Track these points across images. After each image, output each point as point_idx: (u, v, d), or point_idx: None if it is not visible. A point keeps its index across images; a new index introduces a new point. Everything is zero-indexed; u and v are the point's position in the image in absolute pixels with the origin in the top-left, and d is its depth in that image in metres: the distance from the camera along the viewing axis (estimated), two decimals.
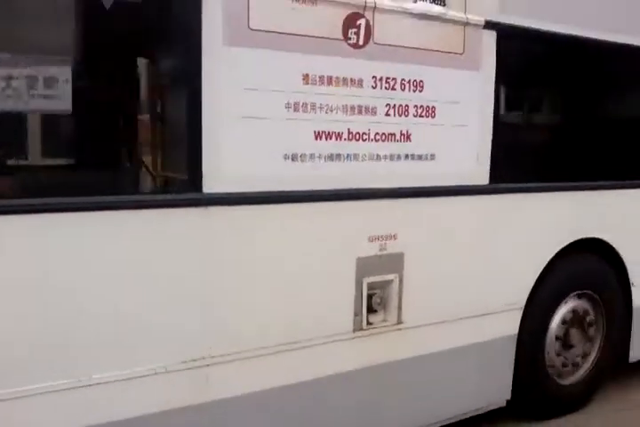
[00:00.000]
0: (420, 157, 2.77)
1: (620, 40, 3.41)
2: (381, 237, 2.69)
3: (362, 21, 2.51)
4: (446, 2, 2.75)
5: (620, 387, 4.02)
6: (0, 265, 1.86)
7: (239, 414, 2.39)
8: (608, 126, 3.72)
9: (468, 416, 3.17)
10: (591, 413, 3.70)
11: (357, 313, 2.67)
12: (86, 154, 2.67)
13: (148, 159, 2.53)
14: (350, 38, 2.50)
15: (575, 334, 3.60)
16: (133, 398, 2.14)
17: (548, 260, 3.35)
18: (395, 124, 2.66)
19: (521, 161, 3.27)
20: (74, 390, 2.02)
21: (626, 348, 3.88)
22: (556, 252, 3.37)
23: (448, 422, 3.11)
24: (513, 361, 3.30)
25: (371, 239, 2.66)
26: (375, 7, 2.53)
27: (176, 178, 2.33)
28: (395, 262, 2.75)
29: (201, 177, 2.20)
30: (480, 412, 3.22)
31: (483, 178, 3.01)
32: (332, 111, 2.49)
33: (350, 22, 2.49)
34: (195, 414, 2.27)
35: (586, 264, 3.61)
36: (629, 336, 3.86)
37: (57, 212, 1.96)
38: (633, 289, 3.78)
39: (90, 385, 2.05)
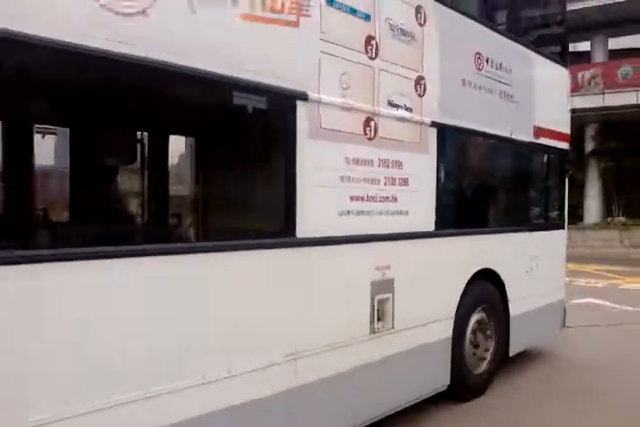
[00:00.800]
0: (401, 213, 4.07)
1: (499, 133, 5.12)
2: (382, 266, 3.91)
3: (372, 123, 3.80)
4: (412, 109, 4.15)
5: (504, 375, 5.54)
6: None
7: (318, 393, 3.41)
8: (493, 191, 5.39)
9: (430, 395, 4.43)
10: (494, 393, 5.14)
11: (372, 321, 3.83)
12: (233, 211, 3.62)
13: (260, 215, 3.51)
14: (367, 133, 3.77)
15: (480, 336, 5.07)
16: (260, 383, 3.08)
17: (465, 283, 4.80)
18: (389, 191, 3.95)
19: (450, 215, 4.72)
20: (225, 380, 2.92)
21: (507, 346, 5.45)
22: (469, 277, 4.83)
23: (415, 401, 4.32)
24: (450, 356, 4.65)
25: (377, 268, 3.87)
26: (379, 114, 3.84)
27: (276, 227, 3.34)
28: (389, 285, 3.97)
29: (295, 227, 3.27)
30: (438, 391, 4.50)
31: (431, 226, 4.39)
32: (358, 182, 3.71)
33: (366, 123, 3.76)
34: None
35: (483, 287, 5.13)
36: (508, 337, 5.44)
37: (215, 251, 2.92)
38: (510, 303, 5.39)
39: (234, 376, 2.96)
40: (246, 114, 3.10)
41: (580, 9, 19.81)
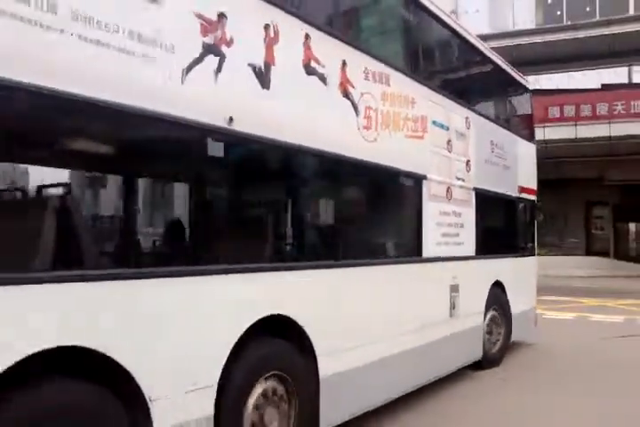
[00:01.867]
0: (460, 244, 6.59)
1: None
2: (454, 276, 6.39)
3: (450, 190, 6.35)
4: (465, 180, 6.73)
5: None
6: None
7: (427, 349, 5.82)
8: (500, 230, 8.06)
9: (472, 362, 6.92)
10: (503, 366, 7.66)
11: (450, 309, 6.30)
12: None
13: (404, 244, 5.93)
14: (447, 196, 6.31)
15: (494, 327, 7.62)
16: (407, 340, 5.47)
17: (488, 289, 7.36)
18: (455, 231, 6.49)
19: (481, 245, 7.29)
20: (396, 337, 5.29)
21: (509, 334, 7.93)
22: (490, 286, 7.40)
23: (467, 364, 6.79)
24: (482, 338, 7.16)
25: (452, 277, 6.36)
26: (452, 184, 6.40)
27: (413, 251, 5.76)
28: (457, 288, 6.44)
29: (421, 250, 5.74)
30: (476, 360, 6.99)
31: (473, 252, 6.95)
32: (444, 226, 6.23)
33: (447, 190, 6.31)
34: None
35: (497, 292, 7.70)
36: (511, 328, 7.95)
37: (389, 264, 5.32)
38: (511, 305, 7.96)
39: (399, 334, 5.34)
40: (403, 186, 5.61)
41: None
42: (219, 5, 3.45)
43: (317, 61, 4.26)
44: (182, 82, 3.20)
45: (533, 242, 9.23)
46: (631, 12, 25.32)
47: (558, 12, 27.49)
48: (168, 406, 3.03)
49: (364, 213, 5.41)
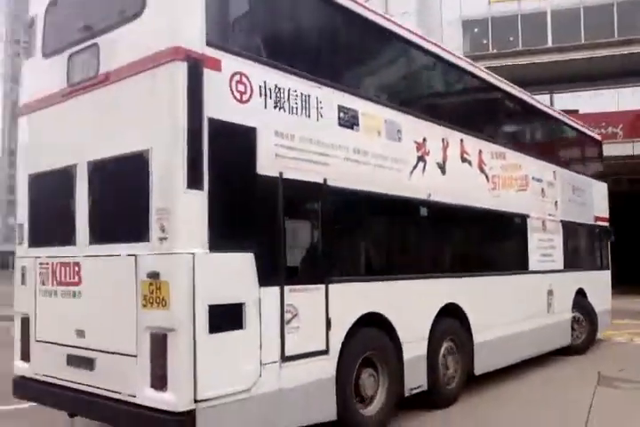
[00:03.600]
0: (553, 260, 9.30)
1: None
2: (550, 284, 9.09)
3: (544, 223, 9.10)
4: (554, 215, 9.46)
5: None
6: None
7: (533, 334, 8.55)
8: (582, 250, 10.71)
9: (557, 348, 9.57)
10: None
11: (548, 306, 8.99)
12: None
13: (515, 262, 8.73)
14: (543, 227, 9.07)
15: (576, 325, 10.21)
16: (519, 326, 8.21)
17: (574, 294, 9.98)
18: (550, 251, 9.21)
19: (567, 262, 9.92)
20: (516, 323, 8.04)
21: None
22: (575, 291, 10.01)
23: (555, 349, 9.45)
24: (570, 328, 9.78)
25: (549, 285, 9.06)
26: (546, 219, 9.15)
27: (523, 266, 8.51)
28: (552, 293, 9.13)
29: (528, 266, 8.51)
30: (562, 346, 9.64)
31: (562, 266, 9.63)
32: (542, 248, 8.98)
33: (543, 224, 9.07)
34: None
35: (580, 299, 10.28)
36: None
37: (508, 275, 8.11)
38: (594, 307, 10.52)
39: (520, 321, 8.09)
40: (515, 222, 8.43)
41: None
42: (423, 135, 6.44)
43: (466, 153, 7.20)
44: (410, 176, 6.20)
45: (608, 258, 11.73)
46: (549, 43, 26.70)
47: (484, 41, 29.01)
48: (410, 346, 5.96)
49: (493, 241, 8.21)
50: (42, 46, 5.37)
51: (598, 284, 11.02)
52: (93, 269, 4.65)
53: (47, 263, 5.05)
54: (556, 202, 9.55)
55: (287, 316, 4.65)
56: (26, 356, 5.25)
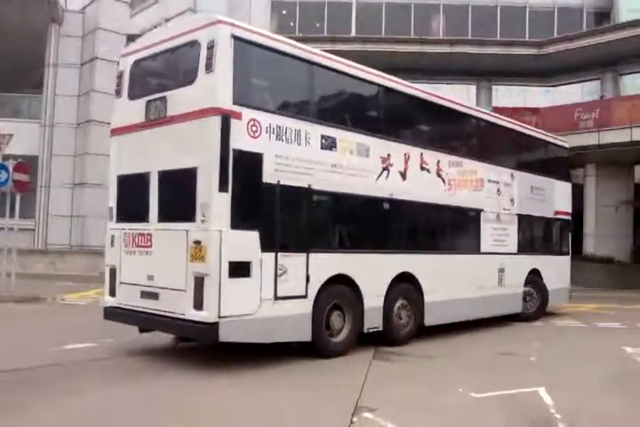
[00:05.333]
0: (506, 245, 11.84)
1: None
2: (502, 262, 11.64)
3: (500, 216, 11.63)
4: (510, 209, 11.96)
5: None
6: None
7: (482, 301, 11.15)
8: (536, 238, 13.19)
9: (508, 314, 12.15)
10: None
11: (499, 281, 11.53)
12: None
13: (469, 245, 11.33)
14: (498, 219, 11.60)
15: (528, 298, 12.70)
16: (471, 293, 10.81)
17: (527, 273, 12.48)
18: (503, 237, 11.75)
19: (521, 247, 12.43)
20: (470, 290, 10.65)
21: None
22: (529, 271, 12.51)
23: (505, 314, 12.01)
24: (522, 299, 12.30)
25: (500, 264, 11.60)
26: (501, 213, 11.67)
27: (476, 248, 11.07)
28: (503, 270, 11.66)
29: (480, 248, 11.08)
30: (516, 312, 12.21)
31: (515, 250, 12.14)
32: (495, 235, 11.52)
33: (497, 216, 11.60)
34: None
35: (534, 276, 12.76)
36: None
37: (464, 255, 10.71)
38: (545, 283, 12.99)
39: (468, 289, 10.70)
40: (470, 215, 10.98)
41: None
42: (387, 152, 9.04)
43: (426, 163, 9.78)
44: (376, 182, 8.84)
45: (567, 246, 14.12)
46: (353, 32, 27.84)
47: (291, 23, 29.03)
48: (369, 299, 8.64)
49: (446, 228, 10.79)
50: (128, 91, 8.18)
51: (554, 266, 13.44)
52: (160, 237, 7.47)
53: (129, 233, 7.91)
54: (512, 199, 12.03)
55: (279, 271, 7.38)
56: (112, 293, 8.14)
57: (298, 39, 9.02)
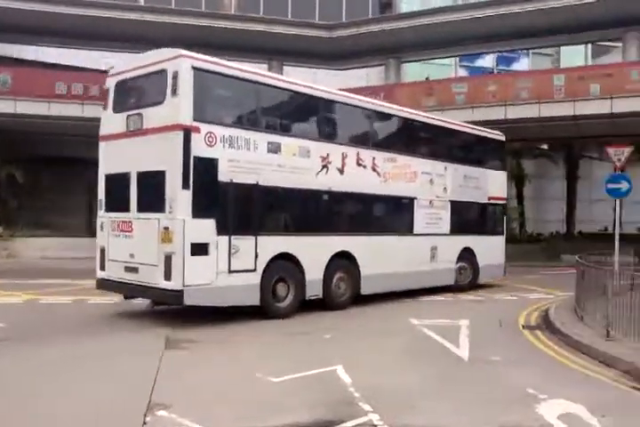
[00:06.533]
0: (439, 227, 13.94)
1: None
2: (434, 242, 13.73)
3: (433, 202, 13.70)
4: (443, 197, 14.01)
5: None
6: None
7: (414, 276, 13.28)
8: (471, 220, 15.30)
9: (439, 286, 14.30)
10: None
11: (431, 258, 13.64)
12: None
13: (403, 226, 13.41)
14: (431, 205, 13.68)
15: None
16: (406, 268, 12.93)
17: (459, 252, 14.58)
18: (437, 220, 13.83)
19: (454, 228, 14.51)
20: (406, 265, 12.75)
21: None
22: (460, 250, 14.61)
23: (439, 285, 14.15)
24: (455, 274, 14.42)
25: (431, 243, 13.70)
26: (434, 200, 13.74)
27: (409, 230, 13.16)
28: (435, 249, 13.77)
29: (413, 230, 13.17)
30: (445, 284, 14.37)
31: (448, 231, 14.23)
32: (429, 218, 13.62)
33: (431, 202, 13.66)
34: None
35: (468, 255, 14.86)
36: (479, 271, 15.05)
37: (396, 235, 12.80)
38: (478, 258, 15.12)
39: (404, 267, 12.80)
40: (405, 203, 13.04)
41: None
42: (327, 152, 11.06)
43: (362, 160, 11.80)
44: (316, 177, 10.88)
45: (502, 227, 16.19)
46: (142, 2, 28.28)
47: None
48: (310, 272, 10.75)
49: (382, 213, 12.86)
50: (112, 106, 10.14)
51: (487, 245, 15.51)
52: (138, 224, 9.52)
53: (115, 221, 9.94)
54: (445, 188, 14.07)
55: (232, 251, 9.44)
56: (102, 267, 10.20)
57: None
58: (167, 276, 8.91)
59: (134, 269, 9.50)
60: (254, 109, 10.24)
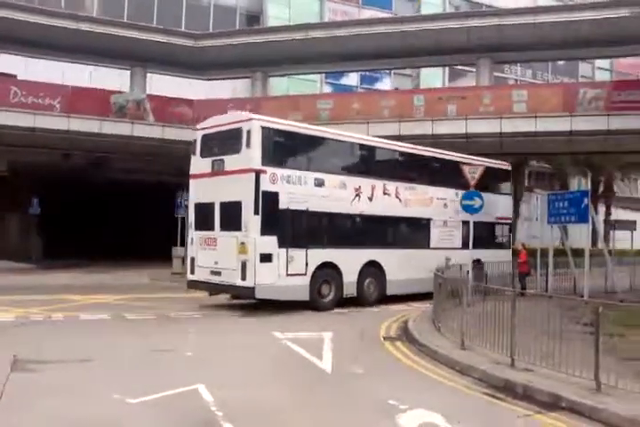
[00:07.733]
0: (452, 242, 17.11)
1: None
2: (448, 255, 16.88)
3: (446, 222, 16.91)
4: (453, 218, 17.21)
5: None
6: None
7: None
8: (478, 237, 18.45)
9: (423, 292, 17.43)
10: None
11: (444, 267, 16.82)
12: None
13: (420, 241, 16.62)
14: (444, 224, 16.88)
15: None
16: (416, 275, 16.11)
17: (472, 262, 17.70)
18: (449, 236, 17.02)
19: (465, 244, 17.63)
20: (415, 272, 15.96)
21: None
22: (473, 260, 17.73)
23: (426, 291, 17.30)
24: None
25: (446, 256, 16.78)
26: (448, 220, 16.95)
27: (426, 244, 16.35)
28: (448, 260, 16.94)
29: (430, 245, 16.38)
30: (429, 291, 17.51)
31: (459, 246, 17.37)
32: (444, 235, 16.81)
33: (444, 223, 16.87)
34: None
35: (477, 267, 17.93)
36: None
37: (413, 249, 16.03)
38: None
39: (414, 273, 16.00)
40: (422, 223, 16.32)
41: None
42: (359, 184, 14.47)
43: (387, 189, 15.17)
44: (351, 204, 14.28)
45: (508, 242, 19.22)
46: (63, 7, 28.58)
47: None
48: (347, 276, 14.12)
49: (403, 231, 16.15)
50: (200, 153, 13.80)
51: (495, 257, 18.50)
52: (221, 240, 13.07)
53: (202, 237, 13.51)
54: (457, 210, 17.22)
55: (289, 259, 12.86)
56: (192, 272, 13.77)
57: None
58: (243, 277, 12.37)
59: (218, 273, 13.01)
60: (305, 155, 13.78)
